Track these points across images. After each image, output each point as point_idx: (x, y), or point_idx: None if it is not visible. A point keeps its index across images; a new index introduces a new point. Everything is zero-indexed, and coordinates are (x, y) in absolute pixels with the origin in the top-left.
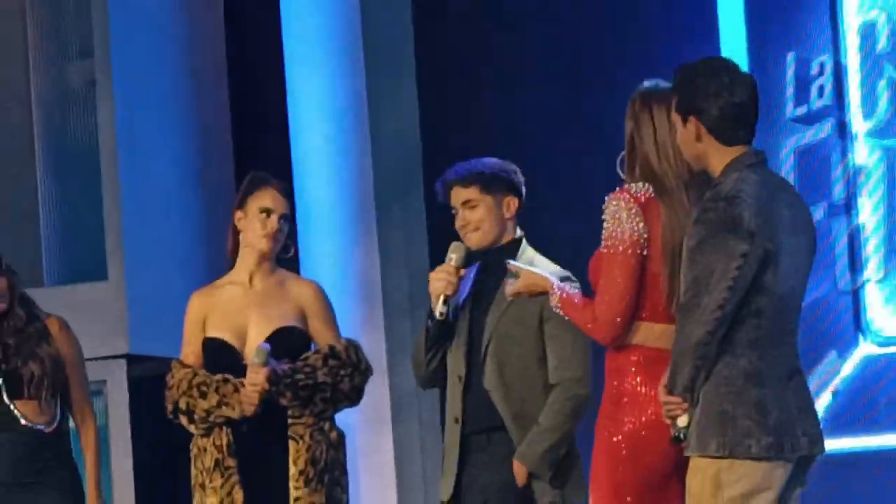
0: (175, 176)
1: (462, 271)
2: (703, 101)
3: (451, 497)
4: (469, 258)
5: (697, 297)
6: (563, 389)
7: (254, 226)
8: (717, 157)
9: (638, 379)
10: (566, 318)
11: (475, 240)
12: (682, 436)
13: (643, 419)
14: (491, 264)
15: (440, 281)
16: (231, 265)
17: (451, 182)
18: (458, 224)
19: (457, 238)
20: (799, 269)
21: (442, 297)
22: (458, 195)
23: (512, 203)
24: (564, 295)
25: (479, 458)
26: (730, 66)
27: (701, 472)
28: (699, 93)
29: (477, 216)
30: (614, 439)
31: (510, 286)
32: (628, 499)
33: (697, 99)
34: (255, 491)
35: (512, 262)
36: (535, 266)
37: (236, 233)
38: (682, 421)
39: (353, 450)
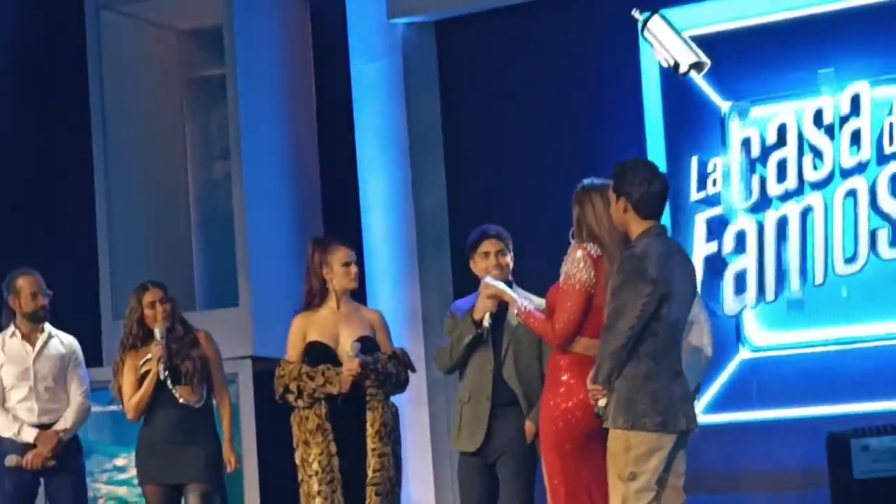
0: (285, 232)
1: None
2: (629, 187)
3: (479, 449)
4: None
5: (616, 321)
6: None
7: (339, 274)
8: (635, 226)
9: (570, 374)
10: (528, 326)
11: (501, 275)
12: (601, 413)
13: (573, 401)
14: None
15: (488, 302)
16: (309, 299)
17: (494, 234)
18: (492, 262)
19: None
20: (684, 306)
21: (488, 313)
22: (495, 245)
23: (510, 259)
24: (525, 310)
25: (502, 423)
26: (651, 166)
27: (615, 438)
28: (628, 181)
29: (506, 261)
30: (555, 414)
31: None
32: (567, 446)
33: (626, 185)
34: (343, 444)
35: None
36: (516, 291)
37: (318, 278)
38: (602, 402)
39: (403, 422)
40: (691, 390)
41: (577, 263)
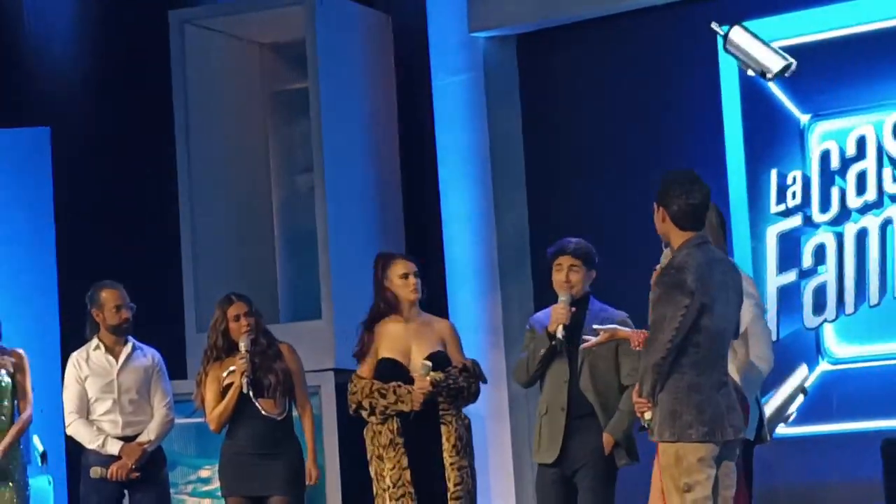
0: (367, 245)
1: (570, 308)
2: (668, 198)
3: (556, 460)
4: (570, 302)
5: (656, 334)
6: (633, 389)
7: (399, 286)
8: (675, 237)
9: None
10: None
11: (574, 291)
12: (648, 426)
13: None
14: (580, 306)
15: (561, 314)
16: (373, 313)
17: (570, 251)
18: (562, 277)
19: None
20: (728, 315)
21: (561, 325)
22: (569, 260)
23: (592, 274)
24: (639, 338)
25: (579, 435)
26: (693, 178)
27: (665, 452)
28: (667, 193)
29: (577, 277)
30: None
31: (593, 340)
32: None
33: (665, 197)
34: (416, 459)
35: (598, 326)
36: (608, 313)
37: (387, 294)
38: (648, 416)
39: (483, 436)
40: (749, 403)
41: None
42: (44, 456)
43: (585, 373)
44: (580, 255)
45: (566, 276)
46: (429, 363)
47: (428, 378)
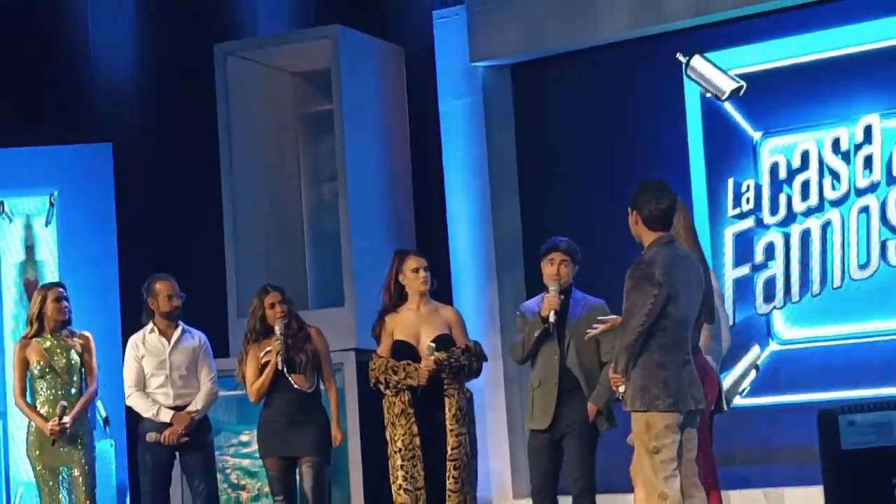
0: (383, 243)
1: (560, 297)
2: (640, 204)
3: (548, 427)
4: (559, 291)
5: (629, 319)
6: (610, 366)
7: (411, 279)
8: (646, 237)
9: None
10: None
11: (562, 282)
12: (621, 398)
13: None
14: (566, 295)
15: (553, 301)
16: (389, 301)
17: (561, 248)
18: (554, 270)
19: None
20: (690, 304)
21: (553, 311)
22: (560, 256)
23: (576, 268)
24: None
25: (567, 405)
26: (662, 186)
27: (636, 420)
28: (639, 199)
29: (565, 270)
30: None
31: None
32: None
33: (638, 202)
34: (424, 427)
35: (591, 330)
36: (590, 304)
37: (397, 285)
38: (622, 389)
39: (482, 405)
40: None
41: None
42: (106, 421)
43: (572, 352)
44: (569, 251)
45: (557, 269)
46: (433, 345)
47: (432, 357)
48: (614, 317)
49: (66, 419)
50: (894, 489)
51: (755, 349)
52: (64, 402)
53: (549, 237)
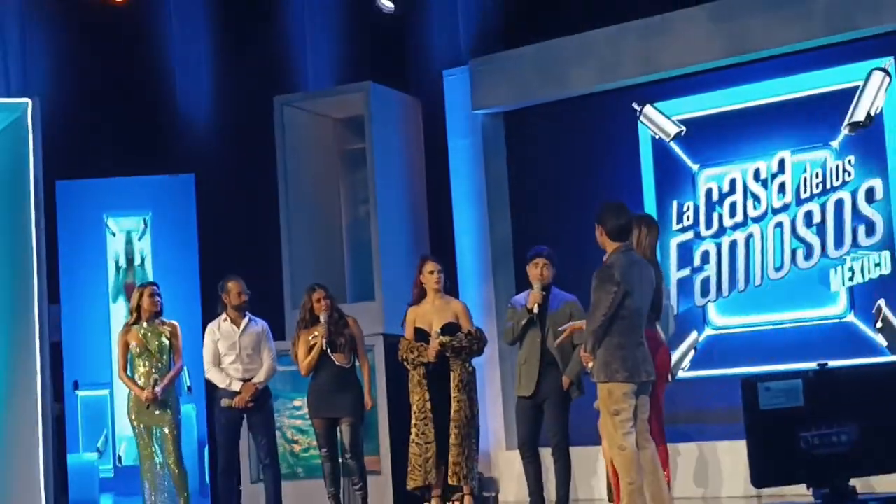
0: (404, 252)
1: (542, 293)
2: (604, 220)
3: (532, 394)
4: (541, 288)
5: (594, 311)
6: (581, 347)
7: (428, 280)
8: (609, 246)
9: None
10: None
11: (544, 281)
12: (589, 372)
13: None
14: (547, 292)
15: (536, 297)
16: (413, 300)
17: (544, 254)
18: (538, 272)
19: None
20: (643, 298)
21: (536, 304)
22: (543, 261)
23: (555, 270)
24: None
25: (547, 377)
26: (620, 206)
27: (601, 389)
28: (603, 216)
29: (547, 272)
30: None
31: (560, 339)
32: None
33: (602, 219)
34: (435, 395)
35: (560, 337)
36: (566, 300)
37: (420, 285)
38: (590, 365)
39: (482, 377)
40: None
41: None
42: (189, 388)
43: (550, 336)
44: (550, 257)
45: (540, 271)
46: (438, 331)
47: (437, 340)
48: (572, 324)
49: (158, 388)
50: (800, 440)
51: (693, 334)
52: (156, 376)
53: (534, 246)
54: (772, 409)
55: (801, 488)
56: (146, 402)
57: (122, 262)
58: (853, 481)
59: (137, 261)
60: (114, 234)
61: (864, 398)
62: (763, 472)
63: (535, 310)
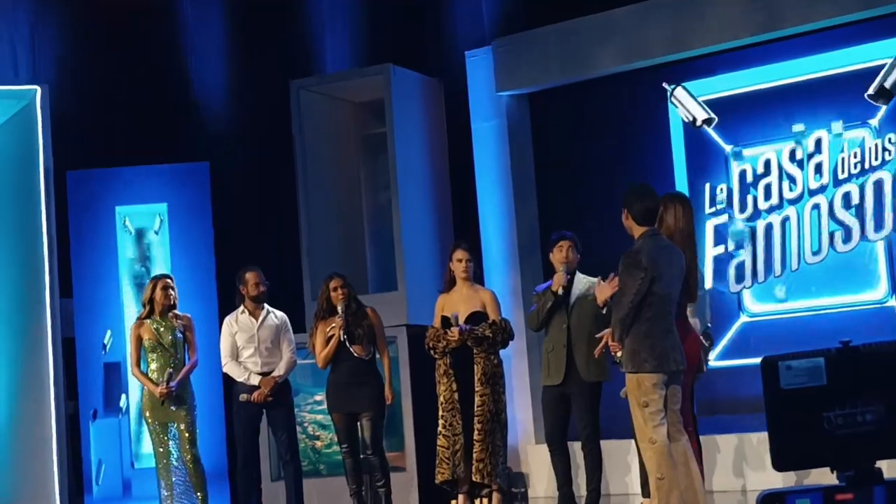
0: (428, 240)
1: (567, 276)
2: (630, 203)
3: (561, 382)
4: (566, 271)
5: (621, 297)
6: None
7: (457, 267)
8: (636, 230)
9: None
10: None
11: (569, 264)
12: (618, 361)
13: None
14: (572, 276)
15: (561, 279)
16: (444, 285)
17: (568, 237)
18: (563, 255)
19: (550, 270)
20: (673, 284)
21: (561, 287)
22: (568, 244)
23: (579, 256)
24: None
25: (574, 362)
26: (647, 189)
27: (629, 379)
28: (630, 199)
29: (572, 255)
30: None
31: (600, 293)
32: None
33: (628, 201)
34: (461, 385)
35: (600, 283)
36: (589, 282)
37: (450, 272)
38: (619, 354)
39: (510, 369)
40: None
41: None
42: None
43: (574, 320)
44: (574, 240)
45: (566, 253)
46: (456, 314)
47: (456, 329)
48: (606, 332)
49: (173, 383)
50: (823, 420)
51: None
52: (170, 370)
53: (559, 230)
54: (793, 389)
55: (825, 471)
56: (160, 398)
57: (138, 262)
58: (879, 463)
59: (156, 264)
60: (130, 234)
61: (891, 376)
62: (784, 455)
63: (560, 292)
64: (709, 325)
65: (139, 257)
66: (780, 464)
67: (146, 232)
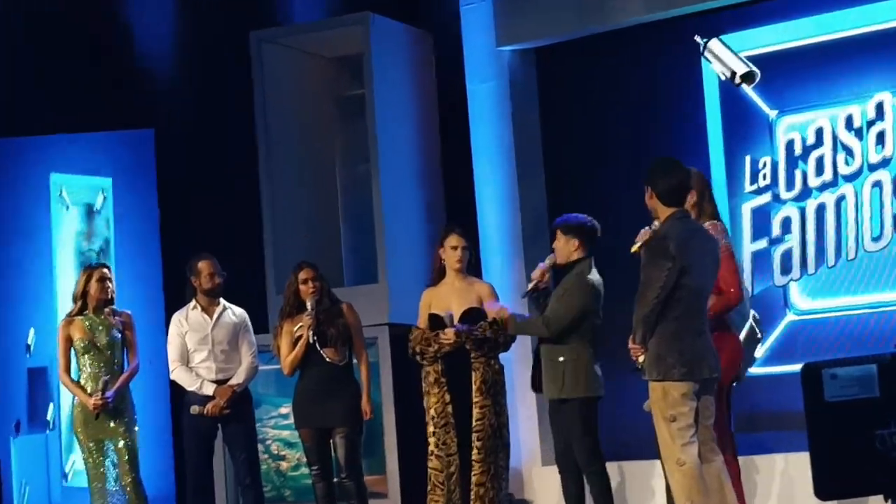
0: (415, 222)
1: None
2: (655, 180)
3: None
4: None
5: (644, 292)
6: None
7: (450, 256)
8: (661, 212)
9: None
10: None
11: (556, 258)
12: (640, 367)
13: None
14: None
15: (539, 271)
16: (432, 277)
17: (554, 227)
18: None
19: None
20: (705, 275)
21: (535, 283)
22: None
23: (573, 242)
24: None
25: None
26: (675, 164)
27: (653, 389)
28: (654, 175)
29: (562, 246)
30: None
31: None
32: None
33: (653, 178)
34: (455, 396)
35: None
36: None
37: (440, 261)
38: (641, 359)
39: (511, 376)
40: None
41: (725, 236)
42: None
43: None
44: (566, 229)
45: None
46: (451, 313)
47: (451, 330)
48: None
49: (109, 393)
50: (875, 439)
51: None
52: (106, 377)
53: (573, 213)
54: (840, 402)
55: (878, 500)
56: (94, 411)
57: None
58: None
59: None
60: (67, 208)
61: None
62: (829, 480)
63: (530, 287)
64: (755, 316)
65: (86, 234)
66: (823, 491)
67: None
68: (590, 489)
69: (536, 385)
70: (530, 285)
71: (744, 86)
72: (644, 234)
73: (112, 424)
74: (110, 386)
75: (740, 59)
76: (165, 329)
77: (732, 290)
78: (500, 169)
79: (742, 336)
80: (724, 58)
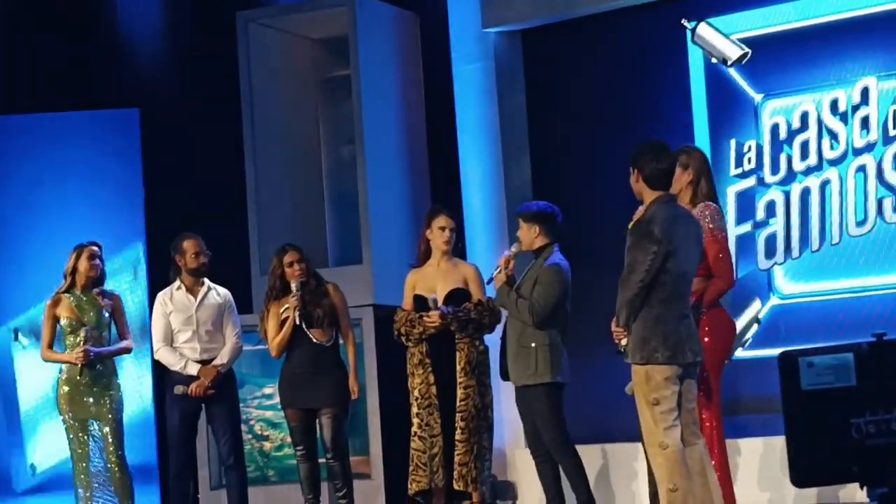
0: (399, 203)
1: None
2: (641, 164)
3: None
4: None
5: (629, 275)
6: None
7: (437, 237)
8: (647, 195)
9: None
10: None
11: (521, 245)
12: (623, 350)
13: None
14: (540, 257)
15: (503, 259)
16: (418, 259)
17: (516, 215)
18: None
19: None
20: (690, 259)
21: (501, 269)
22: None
23: (534, 229)
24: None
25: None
26: (662, 147)
27: (636, 372)
28: (640, 158)
29: (526, 233)
30: None
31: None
32: None
33: (639, 161)
34: (439, 377)
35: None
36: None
37: (426, 241)
38: (623, 342)
39: (496, 359)
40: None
41: (720, 218)
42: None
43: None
44: (527, 216)
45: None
46: (434, 297)
47: (436, 312)
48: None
49: (92, 349)
50: (851, 428)
51: (756, 303)
52: (91, 331)
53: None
54: (816, 390)
55: (853, 487)
56: (79, 364)
57: None
58: None
59: None
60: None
61: None
62: (805, 469)
63: (494, 274)
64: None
65: None
66: (799, 479)
67: None
68: (563, 472)
69: (505, 373)
70: (495, 272)
71: (730, 69)
72: (640, 212)
73: (97, 405)
74: (94, 346)
75: (731, 40)
76: (149, 309)
77: (723, 275)
78: (486, 151)
79: (746, 320)
80: (715, 42)
